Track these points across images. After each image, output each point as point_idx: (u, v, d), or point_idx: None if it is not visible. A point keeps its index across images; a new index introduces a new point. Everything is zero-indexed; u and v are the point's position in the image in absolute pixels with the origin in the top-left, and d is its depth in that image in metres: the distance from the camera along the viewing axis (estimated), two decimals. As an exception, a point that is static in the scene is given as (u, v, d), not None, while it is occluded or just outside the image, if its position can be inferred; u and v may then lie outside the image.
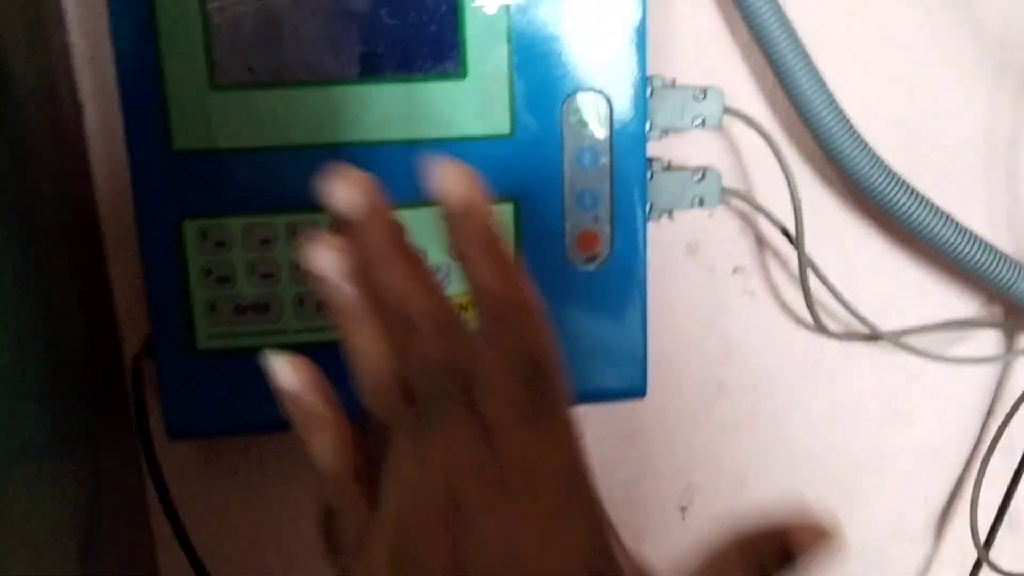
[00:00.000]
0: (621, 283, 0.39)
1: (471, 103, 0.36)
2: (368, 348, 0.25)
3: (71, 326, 0.38)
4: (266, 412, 0.38)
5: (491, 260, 0.25)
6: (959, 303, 0.46)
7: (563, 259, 0.38)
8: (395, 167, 0.35)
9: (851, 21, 0.42)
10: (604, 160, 0.38)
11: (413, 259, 0.25)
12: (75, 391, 0.37)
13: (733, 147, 0.42)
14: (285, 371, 0.26)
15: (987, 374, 0.47)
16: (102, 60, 0.37)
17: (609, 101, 0.37)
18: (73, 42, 0.37)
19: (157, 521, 0.42)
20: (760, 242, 0.44)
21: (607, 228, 0.38)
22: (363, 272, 0.25)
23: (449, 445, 0.23)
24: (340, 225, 0.25)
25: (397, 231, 0.25)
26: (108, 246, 0.40)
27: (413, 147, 0.36)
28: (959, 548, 0.49)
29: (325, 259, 0.25)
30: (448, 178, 0.25)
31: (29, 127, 0.34)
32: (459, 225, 0.25)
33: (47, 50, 0.36)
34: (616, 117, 0.37)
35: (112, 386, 0.41)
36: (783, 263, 0.44)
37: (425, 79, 0.36)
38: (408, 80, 0.36)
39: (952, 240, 0.40)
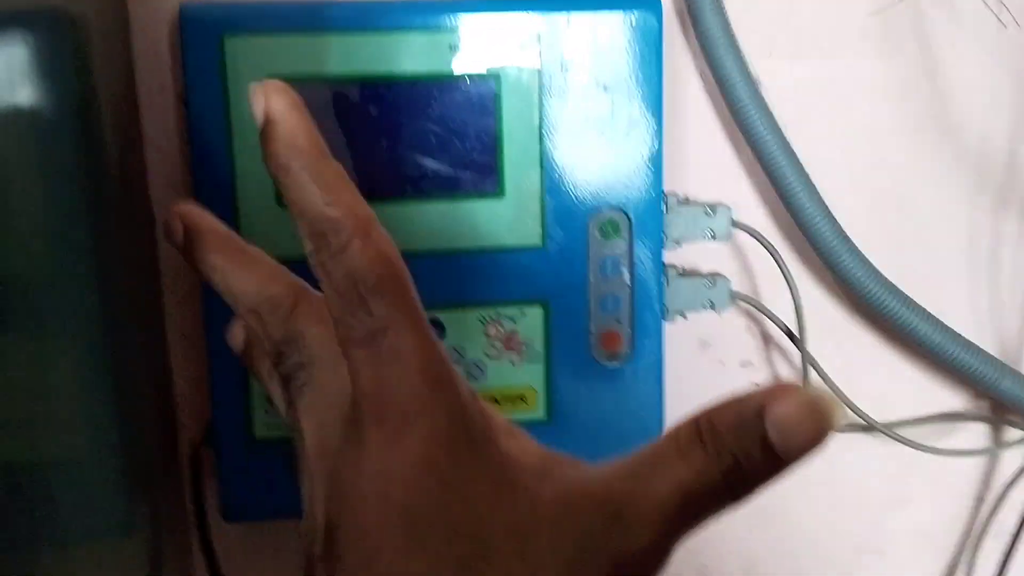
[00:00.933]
0: (641, 378, 0.43)
1: (507, 218, 0.41)
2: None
3: (142, 414, 0.41)
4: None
5: (313, 173, 0.24)
6: (950, 397, 0.49)
7: (589, 357, 0.42)
8: (436, 275, 0.40)
9: (846, 143, 0.46)
10: (625, 268, 0.42)
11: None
12: (143, 475, 0.41)
13: (740, 256, 0.47)
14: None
15: (977, 463, 0.51)
16: (176, 179, 0.42)
17: (629, 217, 0.41)
18: (151, 165, 0.42)
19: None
20: (766, 340, 0.48)
21: (628, 329, 0.42)
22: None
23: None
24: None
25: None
26: (169, 342, 0.44)
27: (453, 257, 0.41)
28: (956, 628, 0.52)
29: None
30: (264, 95, 0.24)
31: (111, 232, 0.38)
32: (274, 133, 0.23)
33: (130, 184, 0.40)
34: (635, 231, 0.41)
35: (170, 470, 0.44)
36: (787, 359, 0.48)
37: (467, 197, 0.40)
38: (452, 199, 0.40)
39: (941, 342, 0.44)
